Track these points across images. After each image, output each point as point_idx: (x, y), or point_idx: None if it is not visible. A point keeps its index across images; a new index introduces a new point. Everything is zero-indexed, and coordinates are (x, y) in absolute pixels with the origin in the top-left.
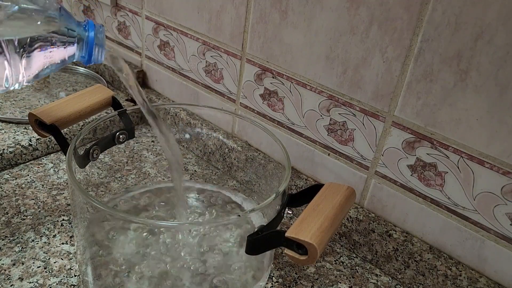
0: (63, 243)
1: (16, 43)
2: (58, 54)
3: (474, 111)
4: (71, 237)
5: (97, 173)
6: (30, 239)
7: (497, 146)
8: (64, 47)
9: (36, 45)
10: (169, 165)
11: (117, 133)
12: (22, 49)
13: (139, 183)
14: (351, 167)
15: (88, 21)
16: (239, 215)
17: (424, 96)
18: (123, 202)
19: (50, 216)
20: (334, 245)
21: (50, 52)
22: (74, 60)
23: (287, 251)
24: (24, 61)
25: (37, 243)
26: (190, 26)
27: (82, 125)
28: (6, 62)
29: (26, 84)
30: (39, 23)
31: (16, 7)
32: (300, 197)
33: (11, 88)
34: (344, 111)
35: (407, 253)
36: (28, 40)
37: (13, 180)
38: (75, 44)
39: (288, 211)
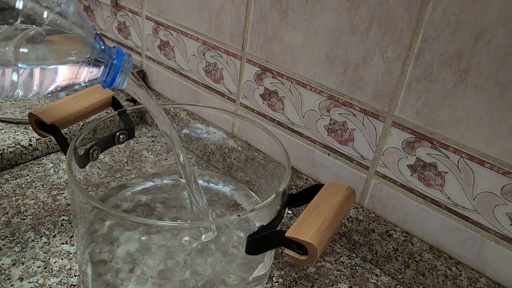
0: (63, 243)
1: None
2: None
3: (474, 111)
4: (71, 237)
5: (97, 173)
6: (30, 239)
7: (497, 146)
8: (89, 69)
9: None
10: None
11: (117, 133)
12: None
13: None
14: (351, 167)
15: (117, 48)
16: (239, 215)
17: (424, 96)
18: (123, 201)
19: (50, 216)
20: (334, 245)
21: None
22: (95, 83)
23: (287, 251)
24: (48, 73)
25: (37, 243)
26: (190, 26)
27: (82, 125)
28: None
29: (35, 97)
30: (72, 50)
31: (40, 29)
32: (300, 197)
33: (29, 97)
34: (344, 111)
35: (407, 253)
36: None
37: (13, 180)
38: (101, 68)
39: (288, 211)
